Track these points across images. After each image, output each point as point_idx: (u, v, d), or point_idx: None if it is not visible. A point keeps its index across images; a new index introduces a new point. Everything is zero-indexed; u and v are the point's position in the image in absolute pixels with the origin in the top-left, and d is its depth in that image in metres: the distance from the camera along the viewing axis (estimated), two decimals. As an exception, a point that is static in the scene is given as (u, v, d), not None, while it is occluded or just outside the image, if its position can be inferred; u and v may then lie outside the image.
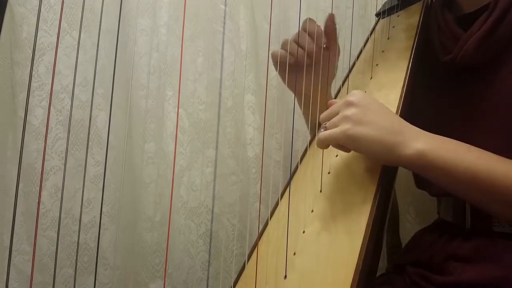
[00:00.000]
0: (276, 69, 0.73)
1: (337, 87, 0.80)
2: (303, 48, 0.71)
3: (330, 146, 0.58)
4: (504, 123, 0.59)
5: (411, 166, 0.56)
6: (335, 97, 0.77)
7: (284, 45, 0.72)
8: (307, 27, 0.72)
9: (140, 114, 0.86)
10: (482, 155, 0.55)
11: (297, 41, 0.71)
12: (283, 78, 0.74)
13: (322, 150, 0.66)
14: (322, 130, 0.58)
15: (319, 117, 0.61)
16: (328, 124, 0.57)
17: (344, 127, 0.54)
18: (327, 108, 0.59)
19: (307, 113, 0.72)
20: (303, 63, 0.69)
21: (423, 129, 0.56)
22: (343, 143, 0.56)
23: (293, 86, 0.73)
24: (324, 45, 0.74)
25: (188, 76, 0.90)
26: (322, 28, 0.73)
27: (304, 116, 0.81)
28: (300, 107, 0.79)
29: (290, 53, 0.71)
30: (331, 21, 0.73)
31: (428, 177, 0.57)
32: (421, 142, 0.53)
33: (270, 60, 0.74)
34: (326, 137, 0.56)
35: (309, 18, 0.72)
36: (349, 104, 0.55)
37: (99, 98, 0.85)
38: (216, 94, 0.89)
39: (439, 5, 0.71)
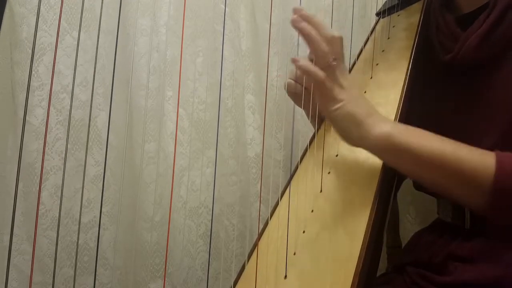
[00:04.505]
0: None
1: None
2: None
3: (329, 145, 0.58)
4: (504, 121, 0.59)
5: (377, 148, 0.56)
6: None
7: (291, 75, 0.70)
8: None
9: (140, 114, 0.86)
10: (447, 140, 0.55)
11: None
12: (298, 105, 0.72)
13: (322, 150, 0.66)
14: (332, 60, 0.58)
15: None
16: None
17: (335, 90, 0.57)
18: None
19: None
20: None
21: (423, 128, 0.56)
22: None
23: (307, 109, 0.72)
24: None
25: (188, 76, 0.89)
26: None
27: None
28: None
29: (298, 82, 0.69)
30: None
31: (395, 162, 0.57)
32: (388, 126, 0.56)
33: (271, 60, 0.74)
34: (320, 79, 0.57)
35: None
36: (341, 86, 0.58)
37: (99, 98, 0.85)
38: (216, 94, 0.89)
39: (437, 5, 0.71)
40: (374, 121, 0.56)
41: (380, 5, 0.84)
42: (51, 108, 0.82)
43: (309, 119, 0.74)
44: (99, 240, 0.84)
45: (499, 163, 0.51)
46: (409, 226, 0.96)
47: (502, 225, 0.57)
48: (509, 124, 0.58)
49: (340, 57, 0.60)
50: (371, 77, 0.73)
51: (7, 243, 0.80)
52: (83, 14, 0.82)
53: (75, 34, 0.83)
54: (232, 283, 0.60)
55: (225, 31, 0.88)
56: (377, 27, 0.82)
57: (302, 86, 0.66)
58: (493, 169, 0.51)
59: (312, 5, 0.92)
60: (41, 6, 0.78)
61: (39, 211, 0.80)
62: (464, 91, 0.65)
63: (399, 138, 0.55)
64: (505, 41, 0.59)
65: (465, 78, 0.65)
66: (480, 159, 0.53)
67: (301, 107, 0.70)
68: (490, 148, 0.54)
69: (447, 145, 0.54)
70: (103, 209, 0.84)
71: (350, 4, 0.86)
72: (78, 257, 0.84)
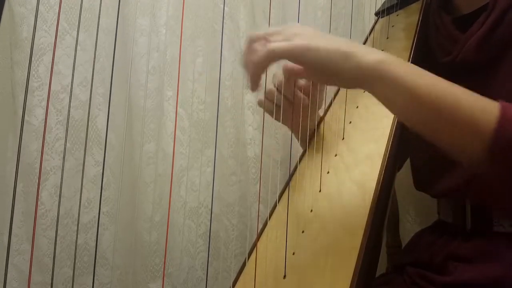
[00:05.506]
0: (271, 115, 0.69)
1: (335, 89, 0.79)
2: (286, 97, 0.67)
3: (328, 144, 0.57)
4: None
5: (369, 76, 0.48)
6: (333, 98, 0.77)
7: (268, 95, 0.68)
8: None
9: (140, 114, 0.86)
10: (444, 80, 0.50)
11: (280, 90, 0.67)
12: (277, 119, 0.70)
13: (321, 150, 0.66)
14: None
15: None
16: (274, 38, 0.50)
17: (299, 38, 0.49)
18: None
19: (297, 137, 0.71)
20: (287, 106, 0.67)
21: None
22: (296, 54, 0.49)
23: (286, 123, 0.71)
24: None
25: (188, 76, 0.90)
26: None
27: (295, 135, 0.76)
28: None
29: (274, 102, 0.68)
30: None
31: (387, 93, 0.49)
32: (379, 53, 0.49)
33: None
34: (277, 47, 0.49)
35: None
36: (296, 27, 0.51)
37: (99, 98, 0.85)
38: (216, 94, 0.89)
39: (436, 6, 0.70)
40: (360, 50, 0.49)
41: (378, 5, 0.84)
42: (51, 108, 0.82)
43: (292, 133, 0.72)
44: (99, 240, 0.84)
45: (503, 109, 0.46)
46: (409, 226, 0.96)
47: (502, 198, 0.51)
48: None
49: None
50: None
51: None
52: (83, 14, 0.82)
53: (75, 34, 0.83)
54: (232, 283, 0.60)
55: (224, 31, 0.88)
56: (376, 26, 0.82)
57: (273, 102, 0.66)
58: (496, 114, 0.45)
59: (309, 4, 0.92)
60: (41, 6, 0.78)
61: (39, 211, 0.80)
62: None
63: (394, 64, 0.48)
64: (505, 42, 0.59)
65: (465, 79, 0.64)
66: (482, 102, 0.48)
67: (281, 122, 0.69)
68: None
69: (444, 82, 0.49)
70: (103, 209, 0.84)
71: (348, 3, 0.86)
72: (78, 257, 0.84)
